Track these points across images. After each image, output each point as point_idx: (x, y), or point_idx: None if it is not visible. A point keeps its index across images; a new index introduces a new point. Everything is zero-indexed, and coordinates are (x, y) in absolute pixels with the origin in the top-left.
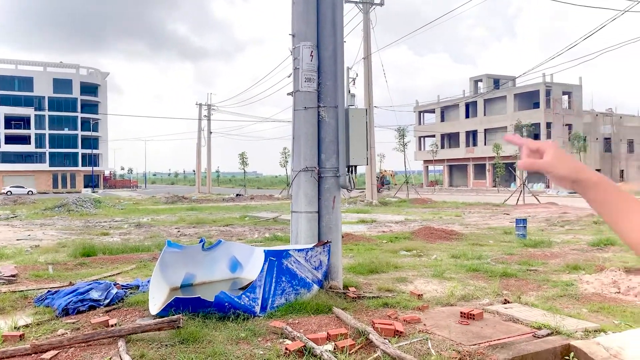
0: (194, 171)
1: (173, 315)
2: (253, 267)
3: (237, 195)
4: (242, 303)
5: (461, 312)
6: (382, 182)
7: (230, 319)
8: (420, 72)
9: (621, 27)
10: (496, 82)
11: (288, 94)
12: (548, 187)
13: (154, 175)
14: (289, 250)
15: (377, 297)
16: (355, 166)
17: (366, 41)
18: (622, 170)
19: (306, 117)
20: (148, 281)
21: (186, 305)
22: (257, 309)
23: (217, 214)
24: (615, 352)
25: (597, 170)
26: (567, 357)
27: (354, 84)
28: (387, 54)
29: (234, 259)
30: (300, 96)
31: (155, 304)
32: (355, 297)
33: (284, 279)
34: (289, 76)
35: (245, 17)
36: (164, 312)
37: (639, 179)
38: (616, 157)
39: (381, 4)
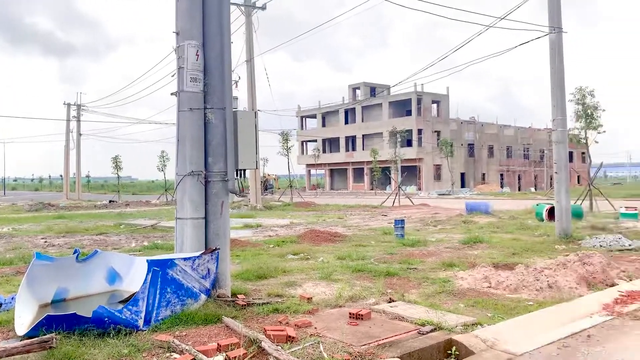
0: (61, 176)
1: (44, 334)
2: (134, 279)
3: (110, 201)
4: (124, 317)
5: (350, 313)
6: (266, 186)
7: (111, 335)
8: (300, 78)
9: (486, 41)
10: (373, 90)
11: (172, 94)
12: (420, 189)
13: (15, 180)
14: (174, 259)
15: (267, 303)
16: (245, 170)
17: (248, 44)
18: (484, 174)
19: (192, 119)
20: (12, 298)
21: (60, 322)
22: (141, 322)
23: (88, 222)
24: (492, 343)
25: (462, 174)
26: (449, 351)
27: (236, 87)
28: (268, 59)
29: (112, 270)
30: (185, 96)
31: (23, 323)
32: (245, 305)
33: (169, 289)
34: (173, 75)
35: (117, 14)
36: (33, 332)
37: (497, 181)
38: (478, 162)
39: (263, 8)
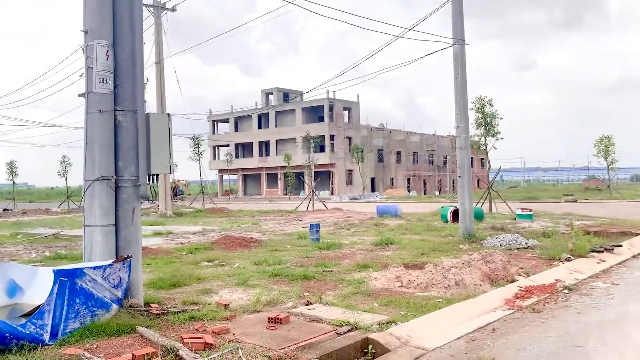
0: None
1: None
2: (37, 291)
3: (4, 210)
4: (28, 332)
5: (268, 318)
6: (176, 192)
7: (14, 352)
8: (211, 82)
9: (393, 50)
10: (286, 96)
11: (80, 95)
12: (332, 194)
13: None
14: (83, 268)
15: (183, 311)
16: (157, 175)
17: (158, 46)
18: (392, 178)
19: (101, 121)
20: None
21: None
22: (47, 336)
23: None
24: (406, 340)
25: (372, 178)
26: (366, 350)
27: (145, 89)
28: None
29: (12, 282)
30: (94, 98)
31: None
32: (159, 314)
33: (78, 300)
34: (81, 76)
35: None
36: None
37: (405, 186)
38: (387, 167)
39: (173, 10)
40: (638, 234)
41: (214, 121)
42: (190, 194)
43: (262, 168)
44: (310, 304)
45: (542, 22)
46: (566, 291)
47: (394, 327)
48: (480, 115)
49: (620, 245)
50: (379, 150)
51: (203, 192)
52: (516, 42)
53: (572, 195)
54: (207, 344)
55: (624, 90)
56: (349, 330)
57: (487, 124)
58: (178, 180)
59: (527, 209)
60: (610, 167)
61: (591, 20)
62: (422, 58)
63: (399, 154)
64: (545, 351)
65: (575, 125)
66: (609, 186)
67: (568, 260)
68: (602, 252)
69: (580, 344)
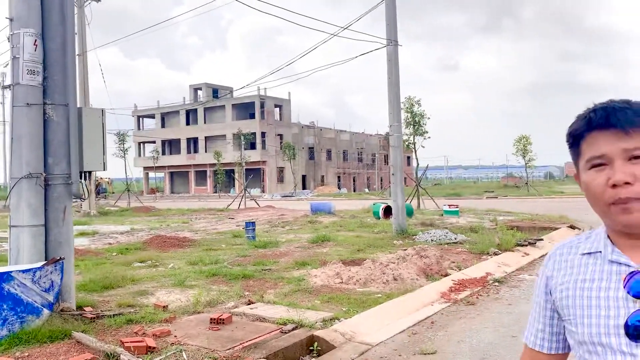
0: None
1: None
2: None
3: None
4: None
5: (211, 319)
6: (99, 190)
7: None
8: (134, 76)
9: (324, 49)
10: (215, 92)
11: (5, 86)
12: (264, 191)
13: None
14: (10, 271)
15: (119, 314)
16: (90, 173)
17: (81, 37)
18: (323, 176)
19: (29, 115)
20: None
21: None
22: None
23: None
24: (350, 336)
25: (304, 176)
26: (312, 347)
27: (77, 82)
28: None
29: None
30: (21, 90)
31: None
32: (94, 317)
33: (5, 306)
34: (6, 66)
35: None
36: None
37: (335, 183)
38: (318, 164)
39: (97, 0)
40: (557, 228)
41: (139, 116)
42: (114, 192)
43: (190, 165)
44: (252, 303)
45: (463, 26)
46: (496, 284)
47: (337, 323)
48: (409, 114)
49: (542, 239)
50: (309, 148)
51: (129, 190)
52: (440, 44)
53: (493, 192)
54: (149, 347)
55: (539, 92)
56: (293, 329)
57: (416, 123)
58: (101, 178)
59: (454, 205)
60: (527, 165)
61: (508, 26)
62: (354, 58)
63: (329, 151)
64: (484, 342)
65: (494, 125)
66: (526, 183)
67: (496, 254)
68: (526, 245)
69: (515, 334)
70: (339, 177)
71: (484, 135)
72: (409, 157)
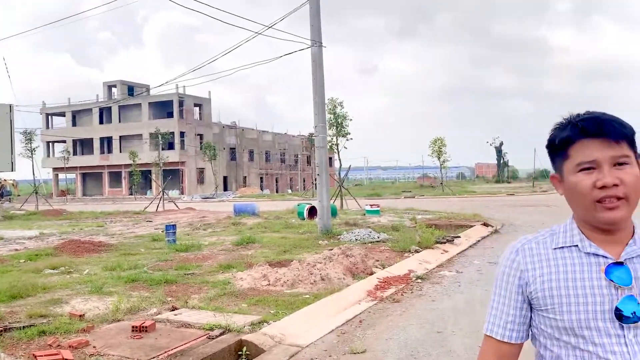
0: None
1: None
2: None
3: None
4: None
5: (132, 327)
6: (2, 193)
7: None
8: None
9: (246, 49)
10: (131, 90)
11: None
12: (183, 193)
13: None
14: None
15: (30, 325)
16: None
17: None
18: (245, 177)
19: None
20: None
21: None
22: None
23: None
24: (280, 339)
25: (225, 177)
26: (241, 352)
27: None
28: (2, 48)
29: None
30: None
31: None
32: (1, 331)
33: None
34: None
35: None
36: None
37: (258, 184)
38: (240, 165)
39: None
40: (472, 226)
41: (48, 114)
42: (19, 195)
43: (104, 166)
44: (176, 309)
45: (381, 30)
46: (419, 281)
47: (266, 326)
48: (332, 116)
49: (459, 237)
50: (231, 148)
51: (37, 193)
52: (359, 47)
53: (410, 191)
54: (66, 359)
55: (452, 96)
56: (221, 334)
57: (339, 124)
58: (5, 180)
59: (375, 205)
60: (442, 166)
61: (423, 31)
62: (279, 58)
63: (251, 152)
64: (411, 339)
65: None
66: (441, 183)
67: (417, 251)
68: (444, 243)
69: (440, 330)
70: (261, 178)
71: (401, 137)
72: (331, 158)
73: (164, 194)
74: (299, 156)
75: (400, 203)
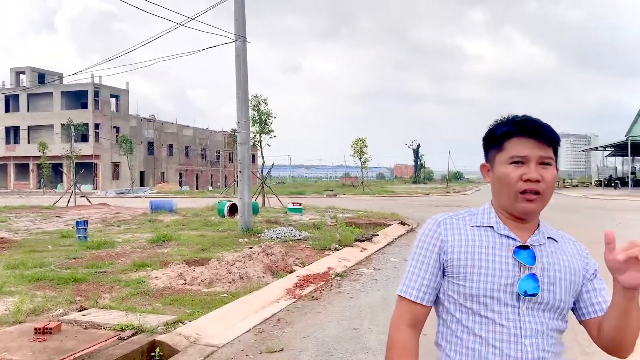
0: None
1: None
2: None
3: None
4: None
5: (35, 329)
6: None
7: None
8: None
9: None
10: (42, 77)
11: None
12: (96, 188)
13: None
14: None
15: None
16: None
17: None
18: (164, 172)
19: None
20: None
21: None
22: None
23: None
24: (195, 339)
25: (142, 172)
26: (153, 353)
27: None
28: None
29: None
30: None
31: None
32: None
33: None
34: None
35: None
36: None
37: (177, 180)
38: (158, 160)
39: None
40: (390, 225)
41: None
42: None
43: (9, 157)
44: (85, 309)
45: (305, 29)
46: (338, 278)
47: (181, 326)
48: (256, 113)
49: (377, 235)
50: (149, 142)
51: None
52: (283, 45)
53: (332, 190)
54: None
55: (374, 98)
56: (133, 335)
57: (262, 121)
58: None
59: (297, 203)
60: (363, 166)
61: (347, 33)
62: (202, 51)
63: (170, 147)
64: (329, 336)
65: (334, 127)
66: (362, 183)
67: (337, 249)
68: (363, 241)
69: (357, 327)
70: (180, 174)
71: (325, 137)
72: (254, 155)
73: (76, 188)
74: (221, 153)
75: (322, 201)
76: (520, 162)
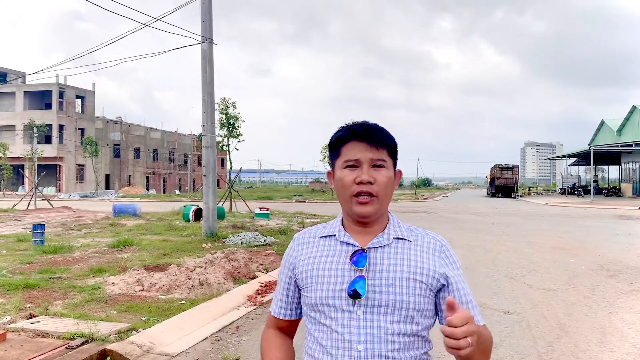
0: None
1: None
2: None
3: None
4: None
5: None
6: None
7: None
8: None
9: (135, 40)
10: (3, 76)
11: None
12: (60, 191)
13: None
14: None
15: None
16: None
17: None
18: (130, 175)
19: None
20: None
21: None
22: None
23: None
24: (148, 348)
25: (108, 175)
26: None
27: None
28: None
29: None
30: None
31: None
32: None
33: None
34: None
35: None
36: None
37: (143, 184)
38: (124, 163)
39: None
40: None
41: None
42: None
43: None
44: (34, 316)
45: (274, 33)
46: None
47: (135, 334)
48: (224, 116)
49: None
50: (115, 145)
51: None
52: (252, 48)
53: (302, 195)
54: None
55: (343, 104)
56: (83, 343)
57: (230, 125)
58: None
59: (265, 208)
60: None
61: (316, 38)
62: (167, 52)
63: (137, 150)
64: None
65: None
66: (331, 188)
67: None
68: None
69: None
70: (147, 177)
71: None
72: (223, 160)
73: (37, 191)
74: (190, 156)
75: (290, 207)
76: (354, 165)
